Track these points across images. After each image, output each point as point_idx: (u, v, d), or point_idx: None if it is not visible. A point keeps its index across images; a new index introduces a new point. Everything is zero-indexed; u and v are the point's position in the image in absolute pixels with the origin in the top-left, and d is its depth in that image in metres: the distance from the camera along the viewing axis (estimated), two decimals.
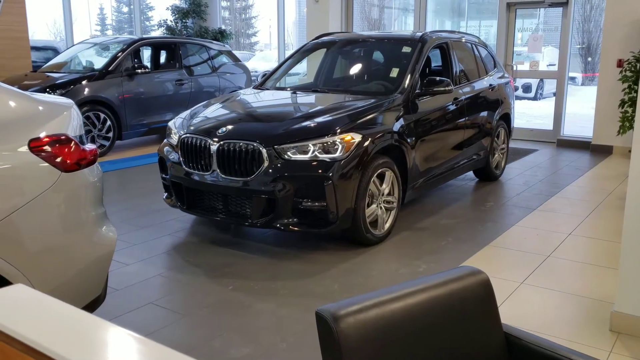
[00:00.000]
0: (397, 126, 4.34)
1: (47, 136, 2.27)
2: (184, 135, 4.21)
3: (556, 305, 3.26)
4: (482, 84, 5.79)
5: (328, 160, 3.85)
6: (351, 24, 10.56)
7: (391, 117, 4.35)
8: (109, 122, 7.37)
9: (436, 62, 5.84)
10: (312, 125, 4.07)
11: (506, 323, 1.69)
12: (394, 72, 4.98)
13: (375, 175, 4.11)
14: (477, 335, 1.58)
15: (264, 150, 3.84)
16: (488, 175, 6.11)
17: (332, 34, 6.04)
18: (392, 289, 1.52)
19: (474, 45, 6.03)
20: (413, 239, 4.34)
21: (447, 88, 4.74)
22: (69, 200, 2.33)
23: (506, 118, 6.26)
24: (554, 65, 9.05)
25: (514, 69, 9.00)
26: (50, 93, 6.81)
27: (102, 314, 2.96)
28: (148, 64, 8.68)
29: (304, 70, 8.26)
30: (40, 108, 2.36)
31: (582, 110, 11.38)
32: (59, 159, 2.27)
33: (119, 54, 7.74)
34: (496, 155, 6.14)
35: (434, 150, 4.86)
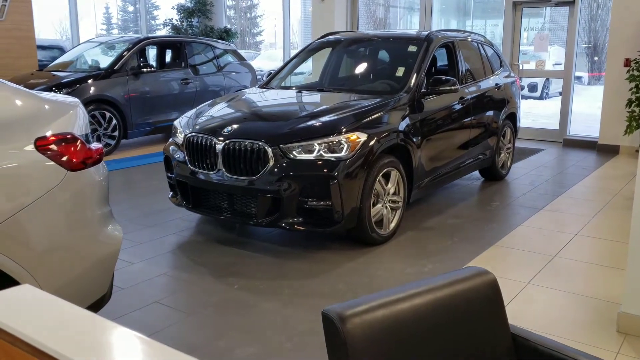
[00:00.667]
0: (402, 125, 4.33)
1: (53, 135, 2.27)
2: (190, 134, 4.21)
3: (562, 306, 3.24)
4: (488, 83, 5.77)
5: (333, 159, 3.85)
6: (356, 23, 10.54)
7: (397, 117, 4.33)
8: (114, 121, 7.39)
9: (442, 61, 5.82)
10: (317, 124, 4.06)
11: (512, 324, 1.68)
12: (400, 71, 4.97)
13: (381, 174, 4.10)
14: (484, 335, 1.57)
15: (269, 150, 3.84)
16: (494, 174, 6.09)
17: (338, 33, 6.03)
18: (398, 289, 1.52)
19: (480, 45, 6.01)
20: (418, 238, 4.33)
21: (453, 87, 4.72)
22: (74, 199, 2.33)
23: (512, 117, 6.23)
24: (560, 64, 9.01)
25: (520, 68, 8.97)
26: (56, 92, 6.82)
27: (107, 313, 2.96)
28: (153, 63, 8.69)
29: (309, 69, 8.25)
30: (47, 107, 2.36)
31: (589, 109, 11.32)
32: (65, 158, 2.27)
33: (125, 53, 7.76)
34: (502, 155, 6.12)
35: (440, 149, 4.84)
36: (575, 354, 1.56)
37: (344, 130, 3.96)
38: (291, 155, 3.85)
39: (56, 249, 2.28)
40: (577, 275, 3.68)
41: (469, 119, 5.26)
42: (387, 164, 4.13)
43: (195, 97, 8.42)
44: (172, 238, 4.33)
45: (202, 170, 4.12)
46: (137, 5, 15.28)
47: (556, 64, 9.97)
